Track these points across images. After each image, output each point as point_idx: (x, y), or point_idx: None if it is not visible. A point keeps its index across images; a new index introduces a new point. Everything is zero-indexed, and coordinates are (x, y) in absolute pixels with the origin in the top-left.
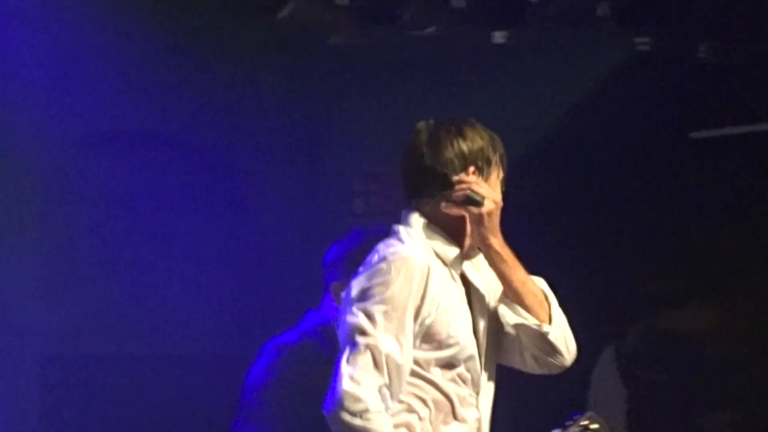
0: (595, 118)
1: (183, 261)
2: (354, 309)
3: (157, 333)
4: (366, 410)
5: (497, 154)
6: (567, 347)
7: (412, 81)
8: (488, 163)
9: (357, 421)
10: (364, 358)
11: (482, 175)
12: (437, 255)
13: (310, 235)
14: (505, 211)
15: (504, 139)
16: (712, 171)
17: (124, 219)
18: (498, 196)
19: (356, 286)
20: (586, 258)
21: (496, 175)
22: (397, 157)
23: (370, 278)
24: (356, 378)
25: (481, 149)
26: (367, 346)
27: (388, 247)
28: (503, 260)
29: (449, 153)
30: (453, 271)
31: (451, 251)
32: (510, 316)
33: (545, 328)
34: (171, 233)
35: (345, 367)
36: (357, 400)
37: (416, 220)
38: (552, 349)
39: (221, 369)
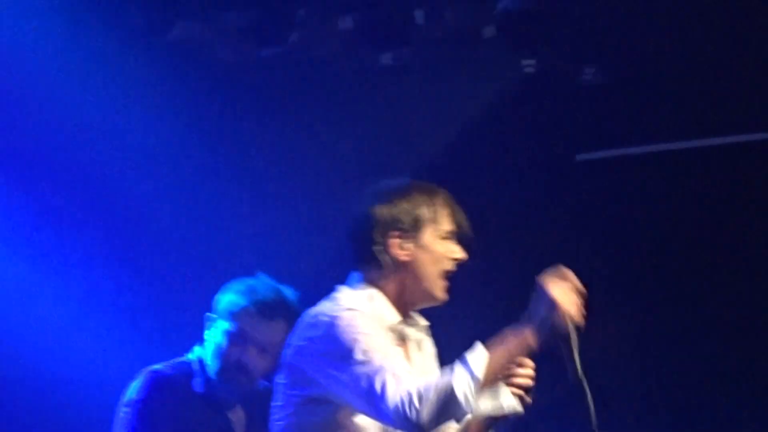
0: (483, 139)
1: None
2: (344, 361)
3: None
4: (419, 390)
5: (433, 210)
6: None
7: (301, 103)
8: (416, 222)
9: (428, 404)
10: (386, 373)
11: (409, 236)
12: (378, 318)
13: None
14: None
15: (390, 160)
16: (598, 193)
17: None
18: (444, 263)
19: (324, 352)
20: (470, 279)
21: (433, 232)
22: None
23: (332, 334)
24: (393, 384)
25: (406, 211)
26: (381, 365)
27: (332, 306)
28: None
29: (375, 216)
30: (392, 335)
31: (391, 316)
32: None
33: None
34: None
35: (380, 394)
36: (409, 394)
37: (358, 283)
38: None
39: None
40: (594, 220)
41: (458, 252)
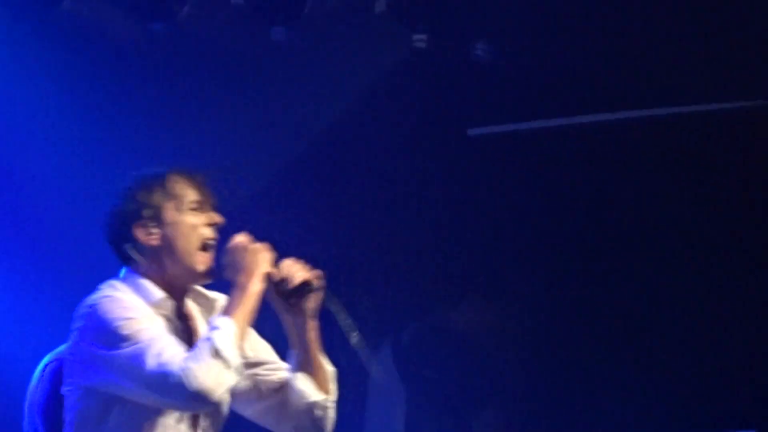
0: (374, 114)
1: None
2: (110, 348)
3: None
4: (187, 359)
5: (170, 186)
6: None
7: (191, 78)
8: (154, 205)
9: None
10: (154, 345)
11: (151, 220)
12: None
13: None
14: (273, 212)
15: (282, 135)
16: (489, 168)
17: None
18: (185, 228)
19: (90, 341)
20: (364, 255)
21: (174, 208)
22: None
23: (93, 322)
24: (162, 358)
25: (141, 198)
26: (150, 340)
27: (92, 296)
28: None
29: (116, 216)
30: (162, 312)
31: (156, 296)
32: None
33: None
34: None
35: (153, 372)
36: (180, 366)
37: (125, 275)
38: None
39: None
40: (485, 195)
41: (210, 217)
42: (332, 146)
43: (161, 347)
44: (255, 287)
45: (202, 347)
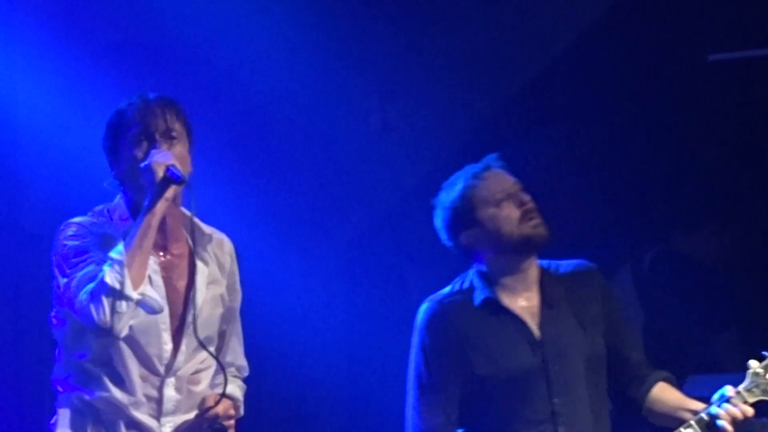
0: (617, 39)
1: None
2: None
3: None
4: (90, 293)
5: (135, 126)
6: None
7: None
8: (116, 140)
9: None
10: (76, 281)
11: (114, 155)
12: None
13: None
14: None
15: (519, 61)
16: (728, 94)
17: None
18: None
19: (53, 264)
20: (606, 182)
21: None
22: None
23: (53, 246)
24: (81, 290)
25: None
26: (76, 275)
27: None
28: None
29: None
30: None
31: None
32: None
33: None
34: None
35: (76, 299)
36: (87, 298)
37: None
38: None
39: None
40: (724, 120)
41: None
42: (571, 70)
43: (79, 281)
44: (150, 205)
45: (96, 286)
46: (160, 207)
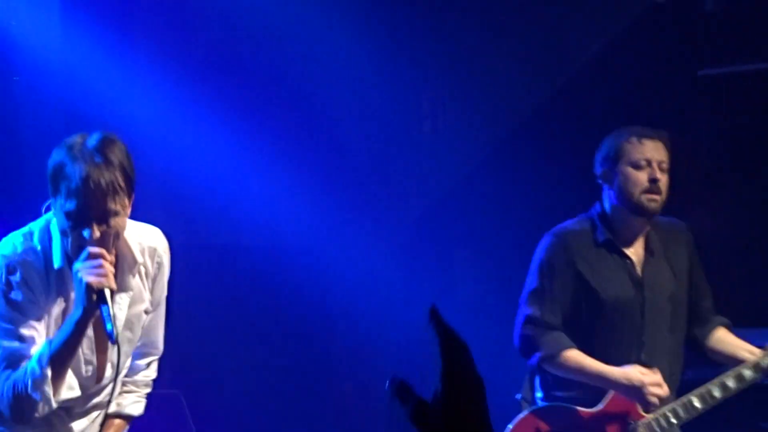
0: (619, 57)
1: None
2: None
3: None
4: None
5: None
6: None
7: (465, 26)
8: (55, 184)
9: None
10: None
11: (52, 195)
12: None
13: None
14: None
15: (536, 81)
16: (715, 105)
17: None
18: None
19: None
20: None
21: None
22: None
23: None
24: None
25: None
26: None
27: None
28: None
29: None
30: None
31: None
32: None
33: None
34: None
35: None
36: None
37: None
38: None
39: None
40: (713, 130)
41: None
42: (580, 88)
43: None
44: (75, 314)
45: (16, 392)
46: (88, 320)
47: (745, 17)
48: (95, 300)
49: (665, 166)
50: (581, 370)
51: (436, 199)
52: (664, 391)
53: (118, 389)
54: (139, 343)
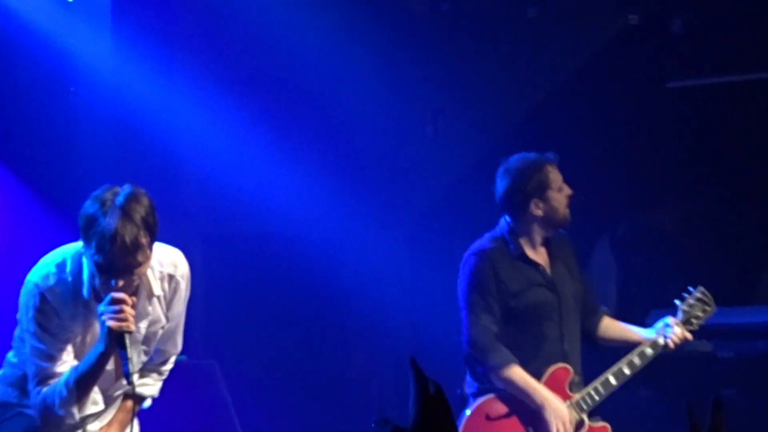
0: (598, 72)
1: None
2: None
3: None
4: (37, 400)
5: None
6: None
7: (465, 46)
8: (86, 234)
9: None
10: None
11: (83, 239)
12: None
13: None
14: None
15: (525, 91)
16: (684, 114)
17: None
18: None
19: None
20: (593, 172)
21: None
22: None
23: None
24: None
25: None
26: (29, 360)
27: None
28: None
29: None
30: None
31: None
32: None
33: None
34: None
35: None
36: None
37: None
38: None
39: None
40: (684, 142)
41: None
42: (563, 97)
43: (32, 375)
44: (98, 348)
45: (47, 407)
46: (110, 355)
47: (708, 37)
48: (115, 341)
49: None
50: (523, 385)
51: (440, 194)
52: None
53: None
54: (159, 345)
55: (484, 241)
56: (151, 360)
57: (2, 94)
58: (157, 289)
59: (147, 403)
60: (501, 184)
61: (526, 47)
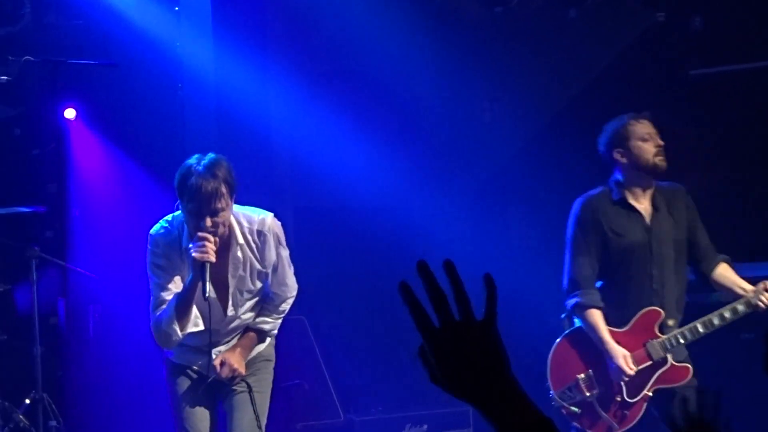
0: (626, 65)
1: None
2: None
3: None
4: (152, 323)
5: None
6: None
7: (513, 47)
8: (180, 192)
9: None
10: (152, 300)
11: (179, 200)
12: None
13: None
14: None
15: (558, 87)
16: (704, 100)
17: None
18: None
19: None
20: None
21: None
22: None
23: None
24: (151, 311)
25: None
26: (152, 290)
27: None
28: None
29: None
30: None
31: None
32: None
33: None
34: None
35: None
36: (152, 322)
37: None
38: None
39: None
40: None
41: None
42: (600, 86)
43: (153, 302)
44: (188, 277)
45: (158, 324)
46: (197, 283)
47: (724, 31)
48: (198, 269)
49: (658, 134)
50: (593, 329)
51: (495, 169)
52: (627, 376)
53: (226, 327)
54: (273, 288)
55: (593, 190)
56: (271, 300)
57: (123, 92)
58: (241, 239)
59: (269, 339)
60: (599, 141)
61: (568, 44)
